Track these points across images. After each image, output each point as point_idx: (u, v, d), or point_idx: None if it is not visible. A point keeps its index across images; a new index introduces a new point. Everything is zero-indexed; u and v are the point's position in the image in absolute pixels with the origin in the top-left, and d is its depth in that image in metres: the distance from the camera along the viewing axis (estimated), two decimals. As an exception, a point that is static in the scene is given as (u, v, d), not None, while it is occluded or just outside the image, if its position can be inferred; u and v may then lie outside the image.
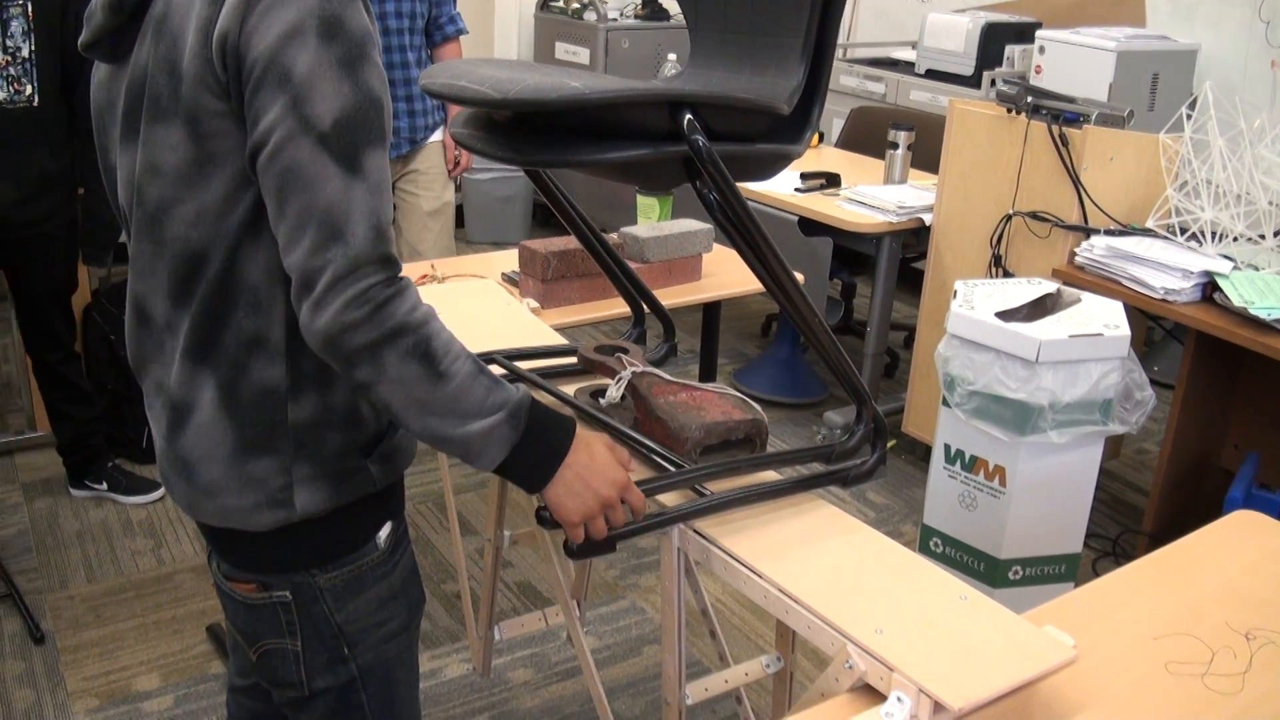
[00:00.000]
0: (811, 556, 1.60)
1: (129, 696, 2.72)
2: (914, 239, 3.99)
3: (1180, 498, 3.38)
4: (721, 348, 4.69)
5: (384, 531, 1.50)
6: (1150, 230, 3.34)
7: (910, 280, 4.53)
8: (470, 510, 3.62)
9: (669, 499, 1.70)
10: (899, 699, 1.37)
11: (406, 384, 1.22)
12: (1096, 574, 2.72)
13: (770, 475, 1.77)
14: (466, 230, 6.43)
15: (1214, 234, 3.21)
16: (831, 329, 1.75)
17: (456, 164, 3.82)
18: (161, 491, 3.53)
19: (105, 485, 3.52)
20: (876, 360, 4.16)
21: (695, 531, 1.66)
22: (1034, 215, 3.44)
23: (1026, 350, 2.79)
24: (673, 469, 1.71)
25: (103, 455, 3.53)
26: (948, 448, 3.03)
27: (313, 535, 1.42)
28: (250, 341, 1.32)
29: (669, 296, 2.90)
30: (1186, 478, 3.40)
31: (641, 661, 2.89)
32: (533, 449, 1.32)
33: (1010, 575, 2.98)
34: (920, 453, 3.97)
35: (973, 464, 2.97)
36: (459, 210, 6.66)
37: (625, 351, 2.00)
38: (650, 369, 1.92)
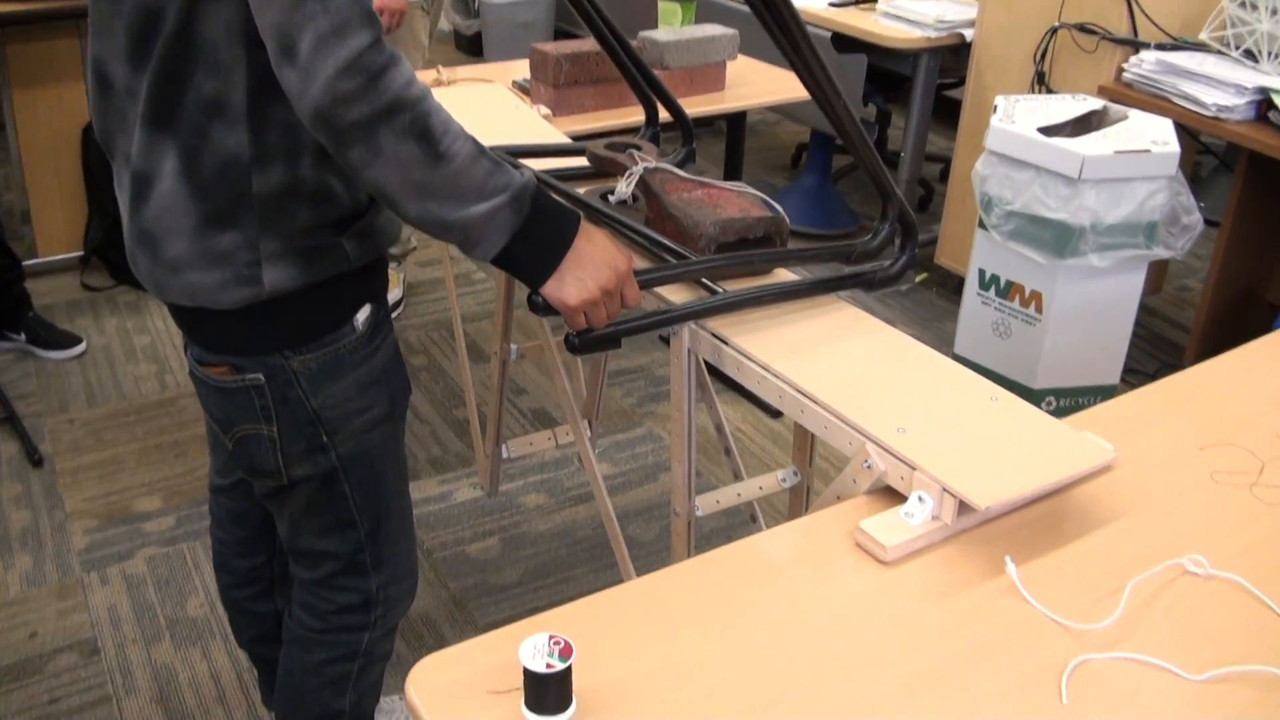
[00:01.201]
0: (831, 356, 1.50)
1: (129, 517, 2.69)
2: (953, 60, 3.79)
3: (1224, 333, 3.26)
4: (747, 178, 4.53)
5: (362, 314, 1.42)
6: (1203, 44, 3.14)
7: (947, 111, 4.33)
8: (481, 335, 3.55)
9: (680, 297, 1.59)
10: (920, 499, 1.28)
11: (404, 165, 1.14)
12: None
13: (787, 276, 1.66)
14: (485, 58, 6.21)
15: (1271, 50, 3.01)
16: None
17: None
18: (82, 346, 3.36)
19: (24, 336, 3.34)
20: (910, 189, 4.01)
21: (707, 330, 1.55)
22: (1081, 28, 3.23)
23: (1069, 167, 2.64)
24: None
25: (23, 305, 3.34)
26: (982, 273, 2.90)
27: (285, 315, 1.34)
28: (210, 105, 1.24)
29: (690, 106, 2.74)
30: (1231, 311, 3.27)
31: (656, 488, 2.84)
32: (536, 236, 1.24)
33: (1044, 407, 2.88)
34: (953, 286, 3.84)
35: (1008, 289, 2.85)
36: (477, 37, 6.43)
37: (638, 148, 1.87)
38: (664, 165, 1.79)
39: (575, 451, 2.47)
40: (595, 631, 1.13)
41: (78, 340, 3.37)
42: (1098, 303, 2.76)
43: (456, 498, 2.79)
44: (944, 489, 1.27)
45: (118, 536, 2.62)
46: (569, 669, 1.02)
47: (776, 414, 3.11)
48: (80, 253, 3.82)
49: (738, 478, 2.00)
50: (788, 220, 1.72)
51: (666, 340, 2.35)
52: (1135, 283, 2.79)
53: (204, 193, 1.25)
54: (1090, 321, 2.79)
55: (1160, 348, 3.70)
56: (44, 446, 2.94)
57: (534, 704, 1.04)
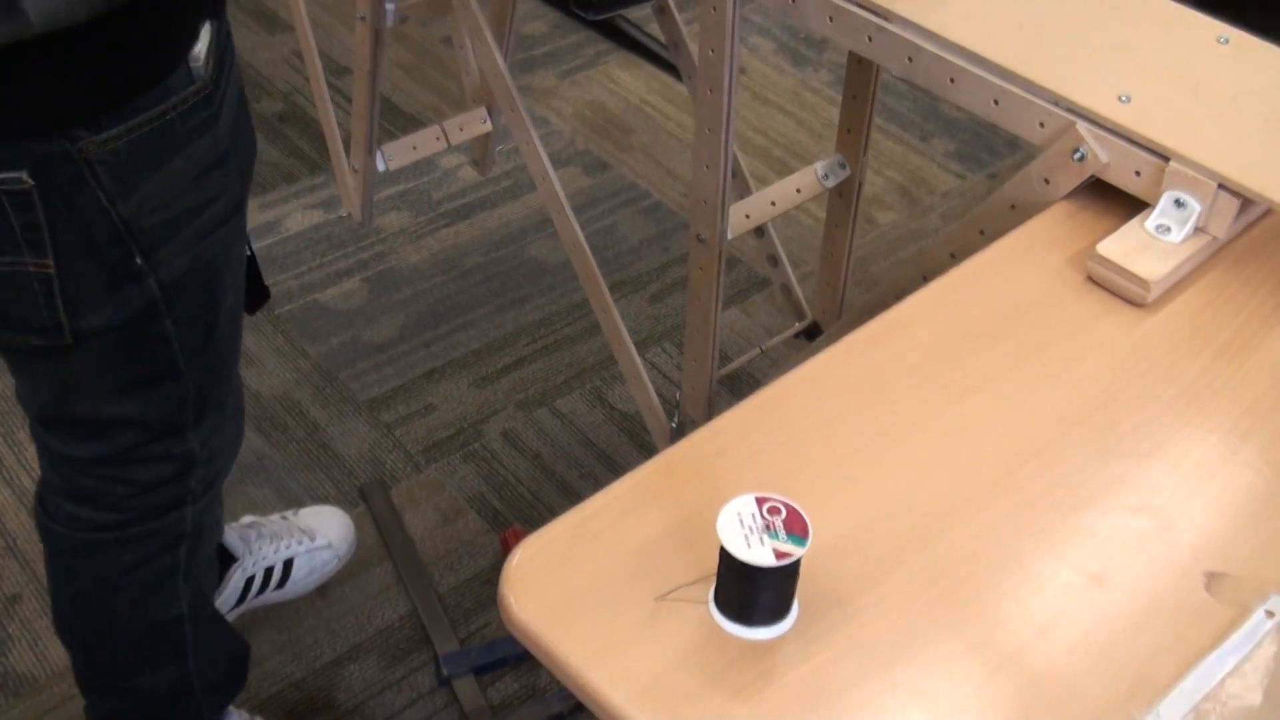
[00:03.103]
0: None
1: None
2: None
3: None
4: None
5: (200, 45, 1.02)
6: None
7: None
8: None
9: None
10: (1177, 202, 1.00)
11: None
12: None
13: None
14: None
15: None
16: None
17: None
18: None
19: None
20: None
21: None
22: None
23: None
24: None
25: None
26: None
27: (68, 63, 0.93)
28: None
29: None
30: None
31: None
32: None
33: None
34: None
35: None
36: None
37: None
38: None
39: (444, 156, 2.11)
40: (776, 461, 0.85)
41: None
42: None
43: (288, 226, 2.42)
44: (1220, 185, 0.99)
45: None
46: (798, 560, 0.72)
47: None
48: None
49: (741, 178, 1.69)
50: None
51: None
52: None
53: None
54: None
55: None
56: None
57: (739, 609, 0.74)
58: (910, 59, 1.16)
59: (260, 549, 1.72)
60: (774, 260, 1.75)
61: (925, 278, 1.25)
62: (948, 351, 0.94)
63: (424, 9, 1.78)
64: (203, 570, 1.45)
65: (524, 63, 2.90)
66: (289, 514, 1.82)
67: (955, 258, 1.20)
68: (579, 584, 0.77)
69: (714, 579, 0.75)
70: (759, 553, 0.71)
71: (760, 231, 1.69)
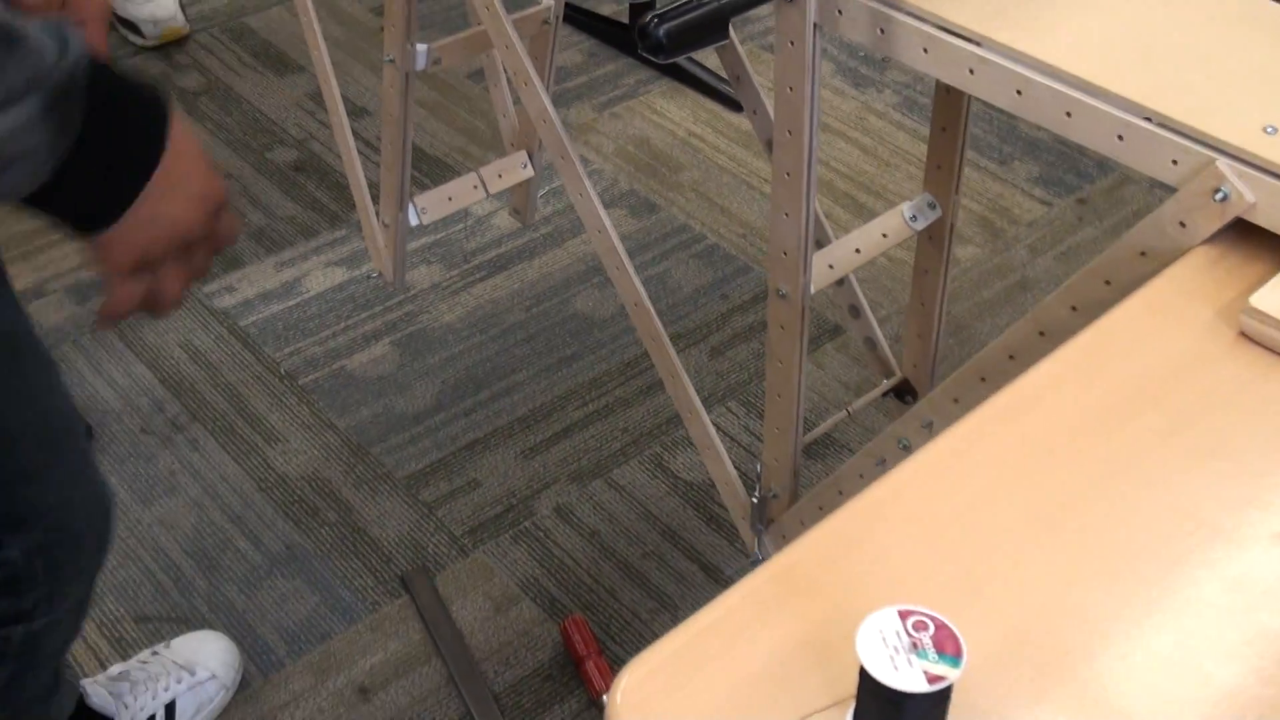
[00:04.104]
0: (1078, 9, 1.16)
1: None
2: None
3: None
4: None
5: None
6: None
7: None
8: (293, 40, 3.03)
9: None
10: (1338, 247, 0.97)
11: None
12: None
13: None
14: None
15: None
16: None
17: None
18: None
19: None
20: None
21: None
22: None
23: None
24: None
25: None
26: None
27: None
28: None
29: None
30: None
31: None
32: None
33: None
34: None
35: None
36: None
37: None
38: None
39: (477, 205, 2.10)
40: (906, 562, 0.82)
41: None
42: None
43: (308, 286, 2.42)
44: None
45: None
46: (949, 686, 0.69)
47: (739, 106, 2.76)
48: None
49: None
50: None
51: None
52: None
53: None
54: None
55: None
56: None
57: (886, 736, 0.71)
58: (1019, 92, 1.13)
59: (136, 701, 1.68)
60: (855, 311, 1.72)
61: (1042, 334, 1.23)
62: (1090, 425, 0.91)
63: (460, 50, 1.77)
64: (28, 701, 1.43)
65: (558, 96, 2.89)
66: (160, 648, 1.77)
67: (1077, 311, 1.18)
68: (695, 716, 0.74)
69: (851, 704, 0.72)
70: (908, 676, 0.68)
71: (840, 280, 1.66)
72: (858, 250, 1.51)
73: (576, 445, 2.12)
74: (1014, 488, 0.87)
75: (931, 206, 1.55)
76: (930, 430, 1.37)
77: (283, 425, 2.15)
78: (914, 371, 1.67)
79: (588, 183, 1.63)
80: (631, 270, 1.64)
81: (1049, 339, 1.22)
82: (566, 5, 1.93)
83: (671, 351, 1.65)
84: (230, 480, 2.05)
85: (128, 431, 2.12)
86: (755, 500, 1.60)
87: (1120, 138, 1.09)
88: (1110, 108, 1.08)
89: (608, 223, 1.64)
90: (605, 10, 3.10)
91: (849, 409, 1.71)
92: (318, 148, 2.72)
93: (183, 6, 3.03)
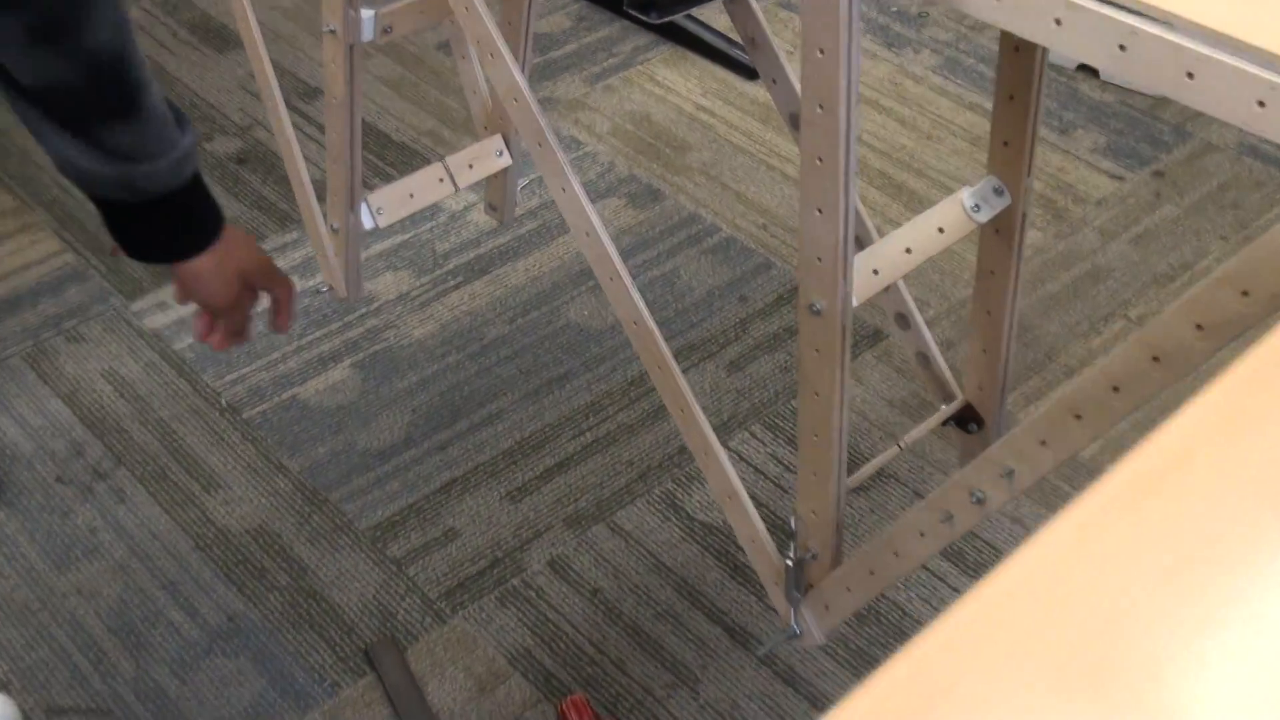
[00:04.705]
0: None
1: None
2: None
3: None
4: None
5: None
6: None
7: None
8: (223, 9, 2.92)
9: None
10: None
11: None
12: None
13: None
14: None
15: None
16: None
17: None
18: None
19: None
20: None
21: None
22: None
23: None
24: None
25: None
26: None
27: None
28: None
29: None
30: None
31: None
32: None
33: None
34: None
35: None
36: None
37: None
38: None
39: (449, 200, 2.01)
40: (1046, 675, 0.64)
41: None
42: None
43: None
44: None
45: None
46: None
47: (755, 74, 2.65)
48: None
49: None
50: None
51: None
52: None
53: None
54: None
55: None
56: None
57: None
58: (1123, 47, 0.97)
59: None
60: (904, 321, 1.56)
61: (1157, 359, 1.06)
62: (1260, 489, 0.73)
63: (415, 15, 1.63)
64: None
65: (543, 68, 2.83)
66: None
67: (1204, 331, 1.01)
68: None
69: None
70: None
71: (886, 286, 1.50)
72: (908, 250, 1.37)
73: (573, 483, 2.02)
74: (1175, 575, 0.68)
75: (998, 193, 1.40)
76: (1012, 481, 1.19)
77: (224, 469, 2.03)
78: (978, 395, 1.51)
79: (571, 175, 1.49)
80: (628, 281, 1.49)
81: (1165, 366, 1.05)
82: (548, -41, 1.81)
83: (680, 380, 1.50)
84: (162, 538, 1.94)
85: (40, 481, 2.01)
86: (790, 562, 1.44)
87: (1261, 104, 0.93)
88: (1249, 65, 0.93)
89: (598, 224, 1.49)
90: (596, -35, 3.02)
91: (900, 443, 1.54)
92: (263, 135, 2.66)
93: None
